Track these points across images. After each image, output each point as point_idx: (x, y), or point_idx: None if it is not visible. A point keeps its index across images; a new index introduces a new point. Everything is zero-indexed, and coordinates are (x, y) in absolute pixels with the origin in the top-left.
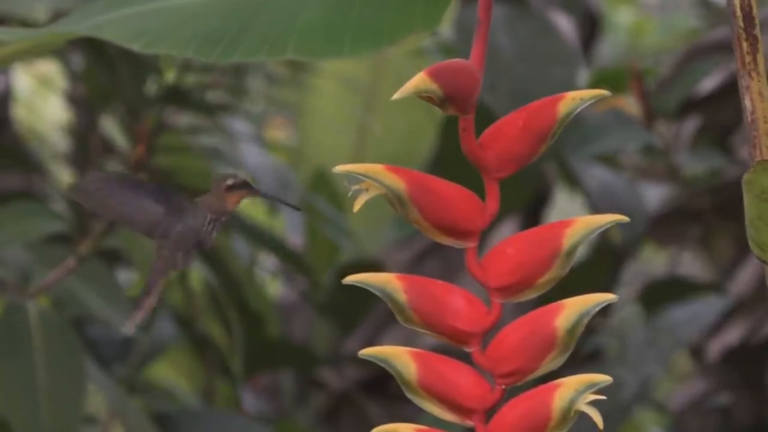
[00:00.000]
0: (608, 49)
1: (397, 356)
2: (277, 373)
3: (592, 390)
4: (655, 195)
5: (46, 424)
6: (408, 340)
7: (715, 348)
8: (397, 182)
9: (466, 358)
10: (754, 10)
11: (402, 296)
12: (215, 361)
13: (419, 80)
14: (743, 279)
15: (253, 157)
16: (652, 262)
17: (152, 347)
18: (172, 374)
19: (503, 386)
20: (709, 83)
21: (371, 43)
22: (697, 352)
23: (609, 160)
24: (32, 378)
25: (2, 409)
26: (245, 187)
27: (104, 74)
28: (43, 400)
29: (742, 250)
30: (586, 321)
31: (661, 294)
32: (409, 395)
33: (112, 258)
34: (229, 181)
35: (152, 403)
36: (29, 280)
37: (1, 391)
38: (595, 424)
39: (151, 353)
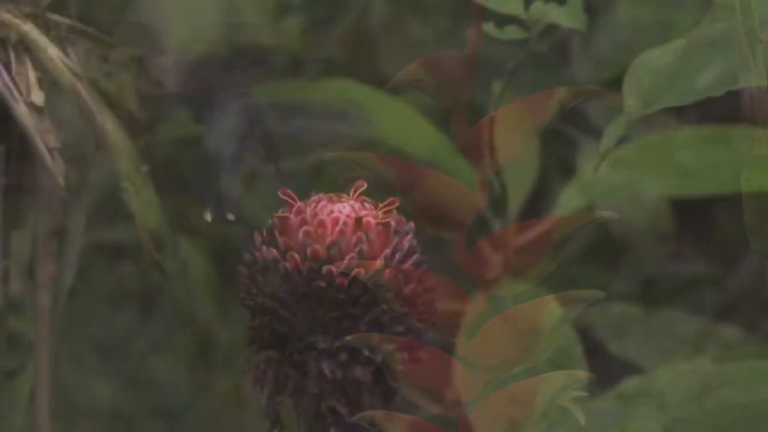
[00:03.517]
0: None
1: (383, 344)
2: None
3: (574, 386)
4: (655, 189)
5: (44, 422)
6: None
7: (715, 344)
8: (387, 171)
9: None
10: (753, 4)
11: (389, 285)
12: (216, 356)
13: (411, 69)
14: (743, 274)
15: None
16: (652, 256)
17: (152, 342)
18: (172, 370)
19: (486, 379)
20: (708, 78)
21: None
22: (696, 347)
23: (608, 155)
24: (31, 374)
25: (0, 406)
26: None
27: (102, 68)
28: (43, 396)
29: (742, 245)
30: (570, 318)
31: (660, 289)
32: (393, 384)
33: (115, 254)
34: None
35: (152, 399)
36: (30, 276)
37: None
38: (592, 420)
39: (151, 348)
